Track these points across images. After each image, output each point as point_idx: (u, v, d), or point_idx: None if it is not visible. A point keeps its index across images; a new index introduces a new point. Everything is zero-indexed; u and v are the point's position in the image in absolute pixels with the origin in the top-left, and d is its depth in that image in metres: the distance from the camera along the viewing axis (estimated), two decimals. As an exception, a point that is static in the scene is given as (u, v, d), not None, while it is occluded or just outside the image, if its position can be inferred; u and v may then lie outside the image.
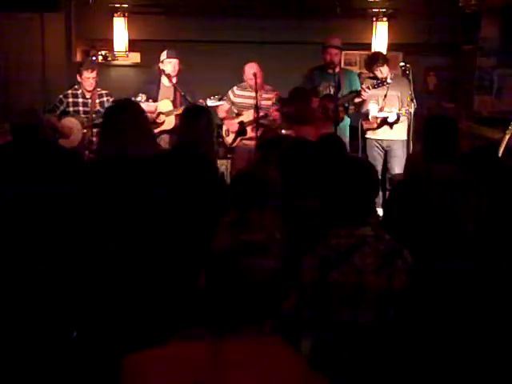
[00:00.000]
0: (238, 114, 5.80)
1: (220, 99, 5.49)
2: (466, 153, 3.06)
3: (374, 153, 5.78)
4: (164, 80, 5.68)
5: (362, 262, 2.06)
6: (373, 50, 6.98)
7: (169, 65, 5.59)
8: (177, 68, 5.62)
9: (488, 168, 2.87)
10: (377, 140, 5.78)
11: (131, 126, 2.83)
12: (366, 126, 5.79)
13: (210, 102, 5.40)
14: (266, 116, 5.56)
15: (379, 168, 5.67)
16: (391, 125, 5.64)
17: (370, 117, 5.71)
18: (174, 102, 5.55)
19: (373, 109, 5.71)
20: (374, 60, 5.66)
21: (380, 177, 5.24)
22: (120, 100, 3.43)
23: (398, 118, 5.55)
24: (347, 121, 5.80)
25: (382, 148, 5.77)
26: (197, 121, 3.49)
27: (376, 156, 5.75)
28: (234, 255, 1.33)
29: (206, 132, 3.46)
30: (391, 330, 2.05)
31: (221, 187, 3.13)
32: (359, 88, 5.67)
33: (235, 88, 5.82)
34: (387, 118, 5.61)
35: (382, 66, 5.59)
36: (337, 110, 5.37)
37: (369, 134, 5.84)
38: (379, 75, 5.58)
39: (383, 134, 5.73)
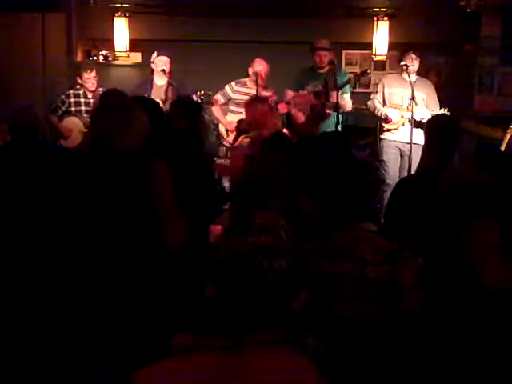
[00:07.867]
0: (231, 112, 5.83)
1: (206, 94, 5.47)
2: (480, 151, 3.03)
3: (391, 155, 5.62)
4: (157, 79, 5.73)
5: (360, 255, 2.03)
6: (373, 49, 6.99)
7: (160, 63, 5.64)
8: (168, 66, 5.65)
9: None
10: (395, 141, 5.61)
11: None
12: (387, 126, 5.65)
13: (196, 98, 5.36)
14: None
15: (396, 169, 5.58)
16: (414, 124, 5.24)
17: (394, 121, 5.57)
18: (165, 101, 5.42)
19: (393, 115, 5.57)
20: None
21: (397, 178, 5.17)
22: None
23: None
24: (335, 117, 5.73)
25: (400, 150, 5.59)
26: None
27: (392, 157, 5.61)
28: (244, 258, 1.32)
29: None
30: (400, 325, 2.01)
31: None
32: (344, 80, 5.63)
33: (234, 83, 5.86)
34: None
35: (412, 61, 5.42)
36: (323, 107, 5.39)
37: (386, 135, 5.69)
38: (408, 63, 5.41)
39: (402, 135, 5.51)
